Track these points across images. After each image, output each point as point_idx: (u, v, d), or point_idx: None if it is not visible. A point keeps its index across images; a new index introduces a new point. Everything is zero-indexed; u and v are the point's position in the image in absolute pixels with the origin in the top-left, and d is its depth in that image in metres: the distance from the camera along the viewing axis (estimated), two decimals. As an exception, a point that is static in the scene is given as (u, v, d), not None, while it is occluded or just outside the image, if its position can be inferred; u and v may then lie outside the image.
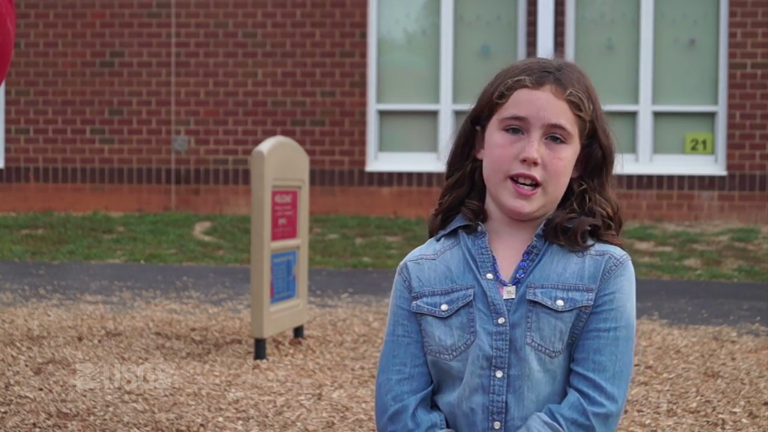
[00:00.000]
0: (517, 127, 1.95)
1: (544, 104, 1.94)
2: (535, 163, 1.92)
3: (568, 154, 1.95)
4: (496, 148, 1.95)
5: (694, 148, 10.93)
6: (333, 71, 11.11)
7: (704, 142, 10.92)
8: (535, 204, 1.95)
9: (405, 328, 2.02)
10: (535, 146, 1.92)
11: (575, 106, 1.95)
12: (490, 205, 2.02)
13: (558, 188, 1.96)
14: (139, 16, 11.26)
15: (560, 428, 1.88)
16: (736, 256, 9.29)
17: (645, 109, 10.91)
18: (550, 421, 1.88)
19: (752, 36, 10.74)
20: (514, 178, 1.94)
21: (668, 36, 11.00)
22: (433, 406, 2.01)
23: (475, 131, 2.03)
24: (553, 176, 1.94)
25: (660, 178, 10.81)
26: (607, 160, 2.01)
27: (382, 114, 11.23)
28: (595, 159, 2.00)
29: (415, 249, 2.08)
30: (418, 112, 11.13)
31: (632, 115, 10.93)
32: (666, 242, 9.81)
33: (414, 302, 2.00)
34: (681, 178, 10.81)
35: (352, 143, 11.07)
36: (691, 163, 10.90)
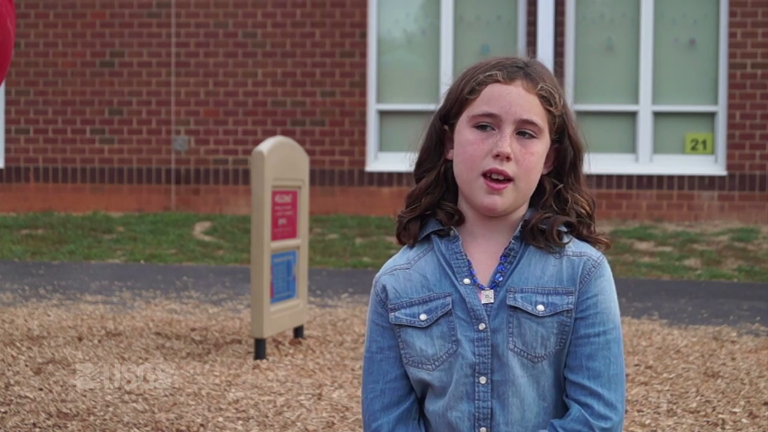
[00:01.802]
0: (487, 124, 1.92)
1: (516, 99, 1.92)
2: (508, 158, 1.90)
3: (539, 149, 1.93)
4: (468, 146, 1.92)
5: (694, 148, 10.93)
6: (333, 71, 11.11)
7: (704, 142, 10.92)
8: (506, 199, 1.91)
9: (378, 344, 2.00)
10: (507, 141, 1.90)
11: (546, 100, 1.93)
12: (463, 205, 1.98)
13: (529, 184, 1.94)
14: (139, 16, 11.26)
15: None
16: (736, 256, 9.28)
17: (645, 109, 10.91)
18: None
19: (752, 36, 10.74)
20: (487, 175, 1.91)
21: (668, 36, 11.00)
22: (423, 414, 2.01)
23: (444, 131, 2.00)
24: (525, 171, 1.91)
25: (660, 178, 10.81)
26: (578, 156, 1.99)
27: (382, 114, 11.23)
28: (568, 156, 1.98)
29: (389, 260, 2.04)
30: (418, 112, 11.11)
31: (632, 115, 10.92)
32: (666, 242, 9.81)
33: (392, 314, 1.97)
34: (681, 178, 10.80)
35: (352, 143, 11.07)
36: (691, 163, 10.90)
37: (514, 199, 1.93)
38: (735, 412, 4.55)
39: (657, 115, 10.94)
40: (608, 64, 11.04)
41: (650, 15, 10.93)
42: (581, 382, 1.90)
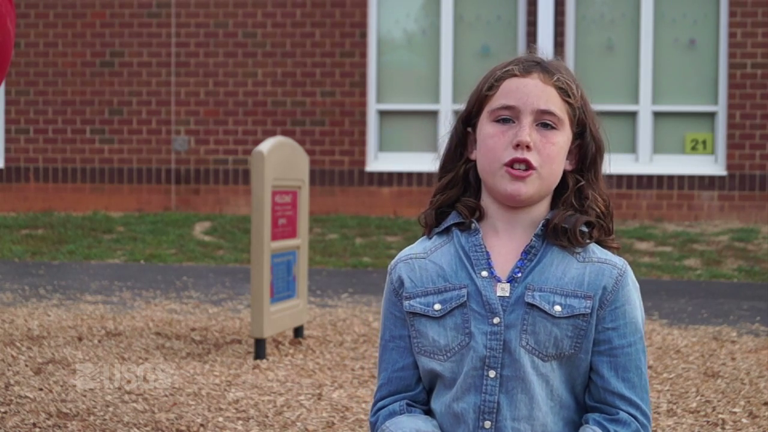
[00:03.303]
0: (507, 117, 1.94)
1: (533, 90, 1.94)
2: (528, 147, 1.92)
3: (560, 139, 1.95)
4: (489, 139, 1.95)
5: (694, 148, 10.93)
6: (333, 71, 11.11)
7: (704, 142, 10.92)
8: (531, 187, 1.93)
9: (391, 332, 2.02)
10: (527, 131, 1.92)
11: (563, 92, 1.95)
12: (486, 201, 2.00)
13: (552, 173, 1.95)
14: (139, 16, 11.26)
15: None
16: (736, 256, 9.28)
17: (645, 109, 10.91)
18: None
19: (752, 36, 10.74)
20: (510, 165, 1.92)
21: (668, 36, 11.00)
22: (429, 411, 2.01)
23: (467, 133, 2.03)
24: (547, 160, 1.93)
25: (660, 178, 10.81)
26: (599, 153, 2.01)
27: (382, 114, 11.23)
28: (589, 152, 2.00)
29: (406, 248, 2.07)
30: (418, 112, 11.13)
31: (632, 115, 10.92)
32: (666, 242, 9.81)
33: (407, 302, 1.99)
34: (681, 178, 10.81)
35: (352, 143, 11.07)
36: (691, 163, 10.90)
37: (539, 187, 1.94)
38: (735, 412, 4.55)
39: (657, 115, 10.94)
40: (608, 64, 11.04)
41: (650, 15, 10.93)
42: (622, 392, 1.93)
